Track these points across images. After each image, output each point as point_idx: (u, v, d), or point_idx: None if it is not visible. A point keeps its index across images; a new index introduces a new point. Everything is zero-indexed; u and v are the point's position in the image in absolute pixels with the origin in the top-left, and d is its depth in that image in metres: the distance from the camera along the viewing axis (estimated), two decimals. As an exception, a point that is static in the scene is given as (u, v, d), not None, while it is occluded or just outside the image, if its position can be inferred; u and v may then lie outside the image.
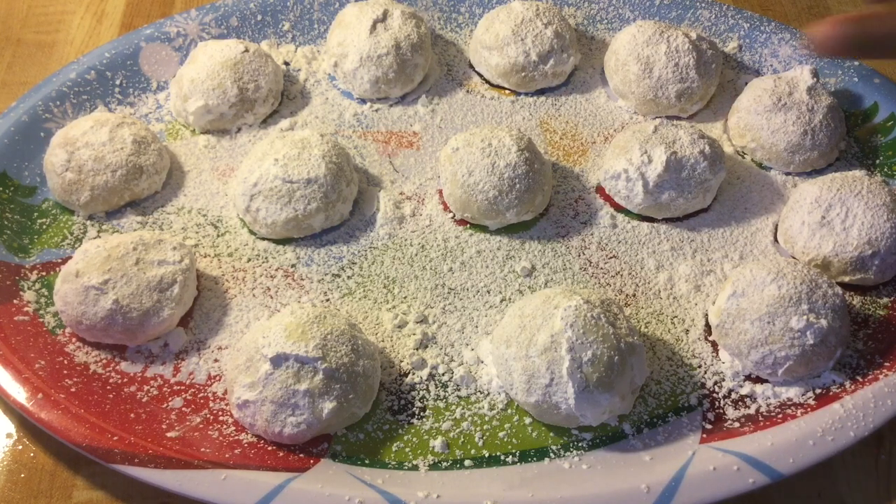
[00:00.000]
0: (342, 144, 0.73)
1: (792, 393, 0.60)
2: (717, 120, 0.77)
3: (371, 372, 0.59)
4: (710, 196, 0.70)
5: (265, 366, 0.56)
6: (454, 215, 0.70)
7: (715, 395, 0.60)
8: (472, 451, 0.58)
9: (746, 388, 0.60)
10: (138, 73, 0.79)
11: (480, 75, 0.81)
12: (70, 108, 0.76)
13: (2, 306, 0.64)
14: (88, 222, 0.70)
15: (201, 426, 0.58)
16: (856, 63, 0.78)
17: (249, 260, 0.68)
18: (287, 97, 0.80)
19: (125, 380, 0.61)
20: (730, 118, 0.76)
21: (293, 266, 0.68)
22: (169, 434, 0.57)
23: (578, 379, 0.55)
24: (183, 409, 0.59)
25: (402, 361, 0.62)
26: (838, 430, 0.56)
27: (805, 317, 0.58)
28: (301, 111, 0.79)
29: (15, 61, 0.85)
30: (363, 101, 0.79)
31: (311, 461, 0.57)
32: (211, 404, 0.60)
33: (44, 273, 0.67)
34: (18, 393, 0.58)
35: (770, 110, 0.72)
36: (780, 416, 0.58)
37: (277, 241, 0.69)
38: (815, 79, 0.73)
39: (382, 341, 0.63)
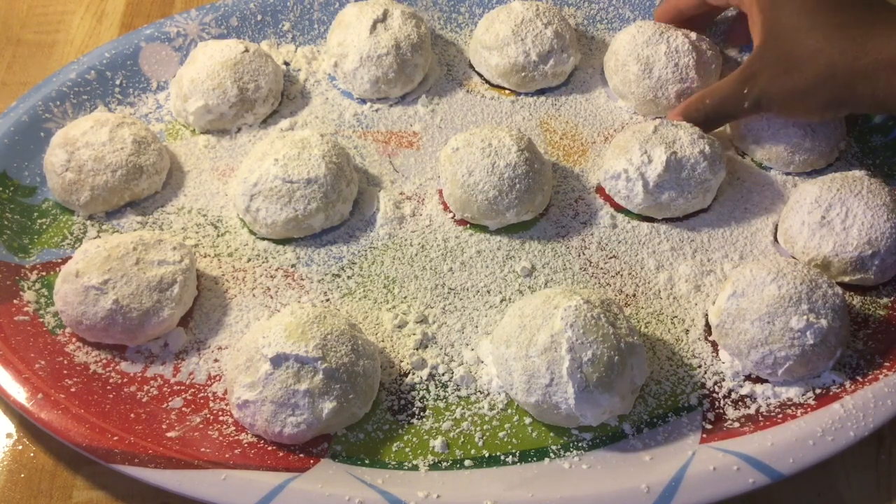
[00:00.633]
0: (342, 144, 0.73)
1: (792, 393, 0.60)
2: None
3: (371, 372, 0.59)
4: (710, 196, 0.70)
5: (265, 366, 0.56)
6: (454, 215, 0.71)
7: (715, 395, 0.60)
8: (472, 451, 0.58)
9: (746, 388, 0.60)
10: (138, 73, 0.79)
11: (480, 75, 0.81)
12: (70, 108, 0.76)
13: (2, 306, 0.64)
14: (88, 222, 0.70)
15: (201, 426, 0.58)
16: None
17: (249, 260, 0.68)
18: (287, 97, 0.80)
19: (125, 380, 0.61)
20: (730, 118, 0.76)
21: (293, 266, 0.68)
22: (169, 434, 0.57)
23: (578, 379, 0.55)
24: (183, 409, 0.59)
25: (402, 361, 0.62)
26: (838, 430, 0.56)
27: (805, 317, 0.58)
28: (301, 111, 0.79)
29: (15, 61, 0.85)
30: (363, 101, 0.79)
31: (311, 461, 0.57)
32: (211, 404, 0.60)
33: (44, 273, 0.67)
34: (18, 393, 0.58)
35: (770, 110, 0.72)
36: (780, 416, 0.58)
37: (277, 241, 0.69)
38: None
39: (382, 341, 0.63)
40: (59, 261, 0.68)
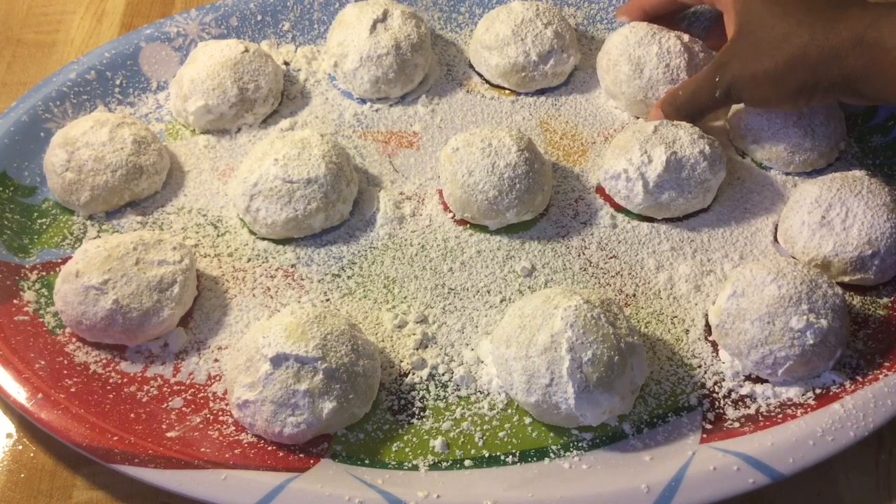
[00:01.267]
0: (342, 144, 0.73)
1: (792, 393, 0.60)
2: (716, 120, 0.77)
3: (371, 372, 0.59)
4: (710, 196, 0.70)
5: (265, 366, 0.56)
6: (454, 215, 0.71)
7: (715, 395, 0.60)
8: (472, 451, 0.58)
9: (746, 388, 0.60)
10: (138, 73, 0.79)
11: (480, 75, 0.81)
12: (70, 108, 0.76)
13: (2, 306, 0.64)
14: (88, 222, 0.70)
15: (201, 426, 0.58)
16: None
17: (249, 260, 0.68)
18: (287, 97, 0.80)
19: (125, 380, 0.61)
20: (730, 118, 0.76)
21: (293, 266, 0.68)
22: (169, 434, 0.57)
23: (578, 379, 0.55)
24: (183, 409, 0.59)
25: (402, 361, 0.62)
26: (838, 430, 0.56)
27: (805, 317, 0.58)
28: (301, 111, 0.79)
29: (15, 61, 0.85)
30: (363, 101, 0.79)
31: (311, 461, 0.57)
32: (211, 404, 0.60)
33: (44, 273, 0.67)
34: (18, 393, 0.58)
35: (770, 110, 0.72)
36: (780, 416, 0.58)
37: (277, 241, 0.69)
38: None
39: (382, 341, 0.63)
40: (59, 261, 0.68)
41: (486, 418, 0.59)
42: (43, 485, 0.58)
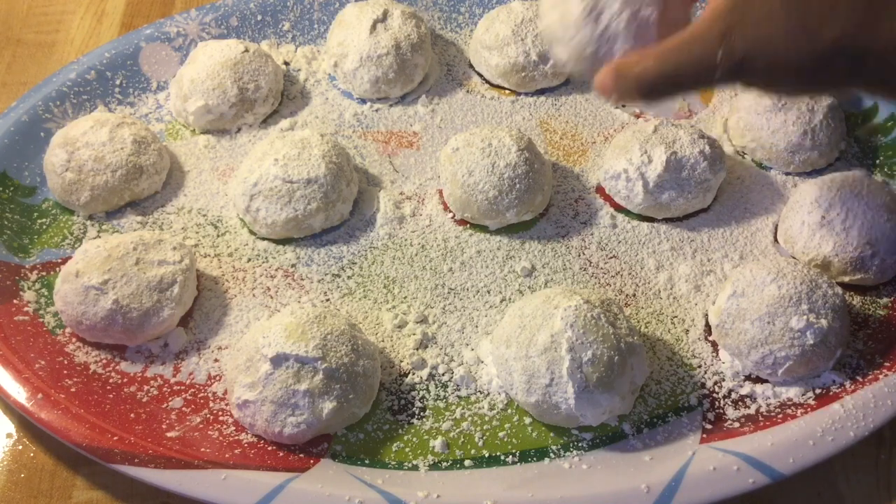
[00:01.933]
0: (342, 144, 0.73)
1: (792, 393, 0.60)
2: (717, 120, 0.77)
3: (371, 372, 0.59)
4: (710, 196, 0.70)
5: (265, 366, 0.56)
6: (454, 215, 0.71)
7: (715, 395, 0.60)
8: (472, 451, 0.58)
9: (746, 388, 0.60)
10: (138, 73, 0.79)
11: (480, 75, 0.81)
12: (70, 108, 0.76)
13: (2, 306, 0.64)
14: (88, 222, 0.70)
15: (201, 426, 0.58)
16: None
17: (249, 260, 0.68)
18: (287, 97, 0.80)
19: (125, 380, 0.61)
20: (730, 118, 0.76)
21: (293, 266, 0.68)
22: (169, 434, 0.57)
23: (578, 379, 0.55)
24: (183, 409, 0.59)
25: (402, 361, 0.62)
26: (838, 430, 0.56)
27: (805, 317, 0.58)
28: (301, 111, 0.79)
29: (15, 61, 0.85)
30: (363, 101, 0.79)
31: (311, 461, 0.57)
32: (211, 404, 0.60)
33: (44, 273, 0.67)
34: (18, 393, 0.58)
35: (770, 110, 0.72)
36: (780, 416, 0.58)
37: (277, 241, 0.69)
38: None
39: (382, 341, 0.63)
40: (59, 261, 0.68)
41: (486, 418, 0.59)
42: (43, 485, 0.58)
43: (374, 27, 0.77)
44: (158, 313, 0.61)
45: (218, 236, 0.70)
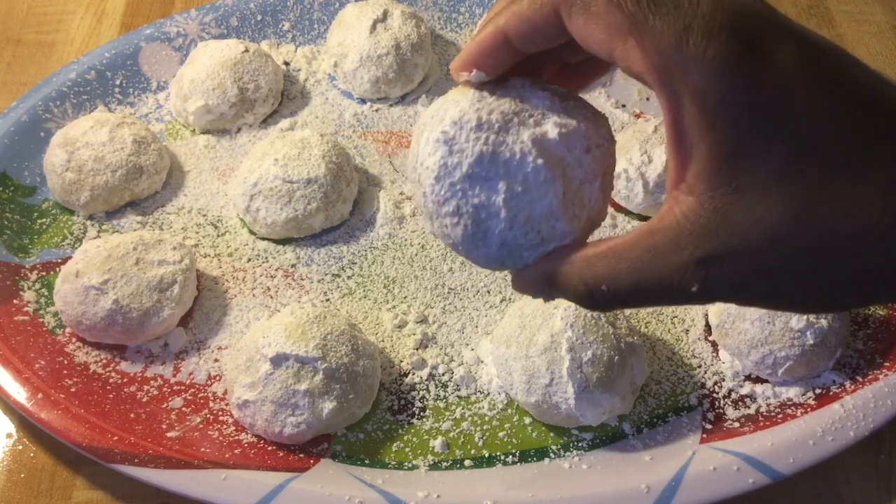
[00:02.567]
0: (342, 144, 0.73)
1: (792, 393, 0.60)
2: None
3: (371, 372, 0.59)
4: (710, 196, 0.70)
5: (265, 366, 0.56)
6: (454, 215, 0.70)
7: (715, 395, 0.60)
8: (472, 451, 0.58)
9: (746, 388, 0.60)
10: (138, 73, 0.79)
11: (480, 75, 0.81)
12: (70, 108, 0.76)
13: (2, 306, 0.64)
14: (88, 222, 0.70)
15: (201, 426, 0.58)
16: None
17: (249, 260, 0.68)
18: (287, 97, 0.80)
19: (125, 380, 0.61)
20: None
21: (293, 266, 0.68)
22: (169, 434, 0.57)
23: (578, 379, 0.55)
24: (183, 409, 0.59)
25: (402, 361, 0.62)
26: (838, 430, 0.56)
27: (805, 317, 0.58)
28: (301, 111, 0.79)
29: (15, 61, 0.85)
30: (363, 101, 0.79)
31: (311, 461, 0.57)
32: (211, 404, 0.60)
33: (44, 273, 0.67)
34: (18, 393, 0.58)
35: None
36: (780, 416, 0.58)
37: (277, 241, 0.69)
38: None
39: (382, 341, 0.63)
40: (59, 261, 0.68)
41: (486, 418, 0.59)
42: (43, 485, 0.58)
43: (374, 27, 0.77)
44: (158, 313, 0.61)
45: (218, 236, 0.70)
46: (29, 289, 0.65)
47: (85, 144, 0.69)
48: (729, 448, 0.56)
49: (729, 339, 0.61)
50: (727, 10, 0.29)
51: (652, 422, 0.59)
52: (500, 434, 0.59)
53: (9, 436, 0.61)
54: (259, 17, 0.83)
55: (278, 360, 0.56)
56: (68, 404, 0.58)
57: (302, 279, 0.67)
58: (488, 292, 0.66)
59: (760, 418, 0.58)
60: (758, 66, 0.29)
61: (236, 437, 0.58)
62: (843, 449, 0.55)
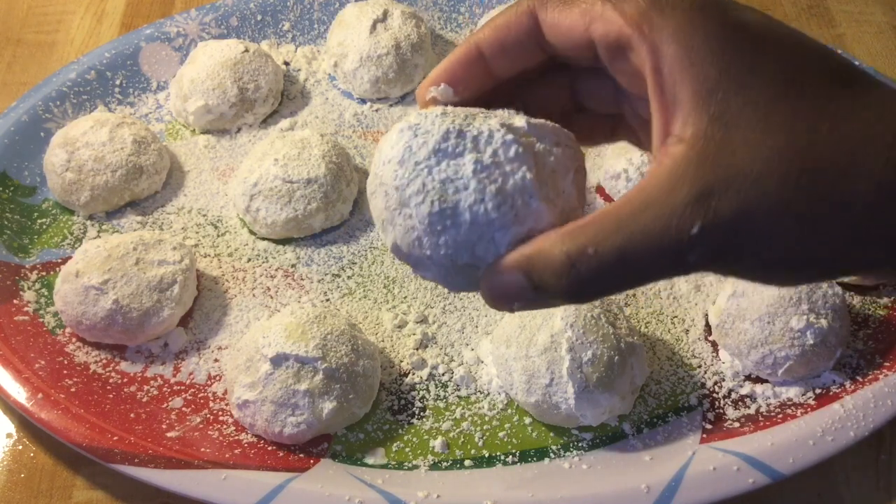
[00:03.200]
0: (342, 144, 0.73)
1: (792, 393, 0.60)
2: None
3: (371, 372, 0.59)
4: (710, 196, 0.70)
5: (265, 366, 0.56)
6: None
7: (715, 395, 0.60)
8: (472, 451, 0.58)
9: (746, 388, 0.60)
10: (138, 73, 0.79)
11: (480, 75, 0.81)
12: (70, 108, 0.76)
13: (2, 306, 0.64)
14: (88, 222, 0.70)
15: (201, 426, 0.58)
16: (856, 62, 0.78)
17: (249, 260, 0.68)
18: (287, 97, 0.80)
19: (125, 380, 0.61)
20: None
21: (293, 266, 0.68)
22: (169, 434, 0.57)
23: (578, 379, 0.55)
24: (183, 409, 0.59)
25: (402, 361, 0.62)
26: (838, 430, 0.56)
27: (805, 317, 0.58)
28: (301, 111, 0.79)
29: (15, 61, 0.85)
30: (363, 101, 0.79)
31: (311, 461, 0.57)
32: (211, 404, 0.60)
33: (44, 273, 0.67)
34: (18, 393, 0.58)
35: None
36: (780, 416, 0.58)
37: (277, 241, 0.69)
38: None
39: (382, 341, 0.63)
40: (59, 261, 0.68)
41: (486, 418, 0.59)
42: (43, 485, 0.58)
43: (374, 27, 0.77)
44: (158, 313, 0.61)
45: (218, 236, 0.70)
46: (29, 289, 0.65)
47: (85, 144, 0.69)
48: (729, 448, 0.56)
49: (729, 339, 0.61)
50: None
51: (652, 422, 0.59)
52: (500, 434, 0.59)
53: (9, 436, 0.61)
54: (259, 17, 0.83)
55: (278, 360, 0.56)
56: (68, 404, 0.58)
57: (302, 279, 0.67)
58: (488, 292, 0.66)
59: (760, 418, 0.58)
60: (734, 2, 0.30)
61: (236, 437, 0.58)
62: (843, 449, 0.55)
